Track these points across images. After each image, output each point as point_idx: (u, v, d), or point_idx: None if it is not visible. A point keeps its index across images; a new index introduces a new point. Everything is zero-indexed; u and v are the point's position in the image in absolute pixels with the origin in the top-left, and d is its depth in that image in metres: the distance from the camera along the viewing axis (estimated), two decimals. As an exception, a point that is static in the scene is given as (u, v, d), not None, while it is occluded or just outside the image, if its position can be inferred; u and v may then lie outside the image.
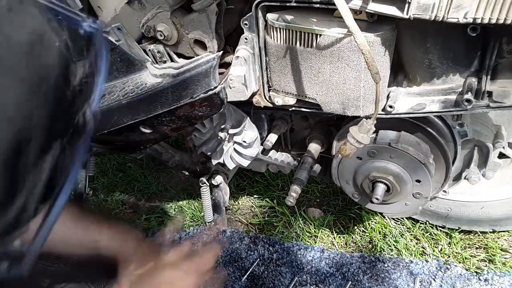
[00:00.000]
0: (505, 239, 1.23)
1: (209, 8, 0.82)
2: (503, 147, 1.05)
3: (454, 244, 1.22)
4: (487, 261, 1.18)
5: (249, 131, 1.05)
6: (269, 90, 0.91)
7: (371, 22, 0.73)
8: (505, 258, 1.18)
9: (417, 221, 1.29)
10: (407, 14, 0.64)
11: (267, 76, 0.88)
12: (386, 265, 1.19)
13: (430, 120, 0.94)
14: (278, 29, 0.78)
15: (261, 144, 1.10)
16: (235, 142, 1.07)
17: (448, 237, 1.25)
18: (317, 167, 1.12)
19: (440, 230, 1.26)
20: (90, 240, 0.71)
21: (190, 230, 1.38)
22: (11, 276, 0.32)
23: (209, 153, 1.09)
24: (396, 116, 0.85)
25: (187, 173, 1.34)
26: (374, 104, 0.72)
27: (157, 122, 0.77)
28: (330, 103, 0.83)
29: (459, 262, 1.18)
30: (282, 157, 1.18)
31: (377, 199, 0.94)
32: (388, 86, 0.85)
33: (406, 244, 1.24)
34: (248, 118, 1.02)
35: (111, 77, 0.85)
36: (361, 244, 1.28)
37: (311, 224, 1.36)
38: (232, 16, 0.87)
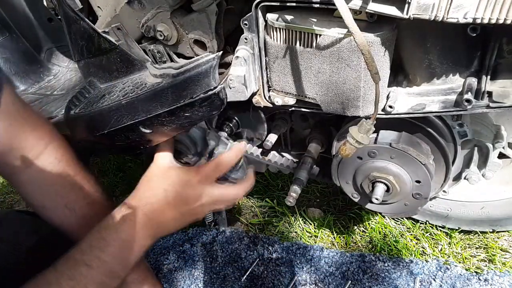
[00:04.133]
0: (505, 239, 1.23)
1: (209, 8, 0.82)
2: (503, 147, 1.05)
3: (454, 244, 1.22)
4: (487, 261, 1.18)
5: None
6: (269, 90, 0.91)
7: (371, 22, 0.73)
8: (505, 258, 1.18)
9: (417, 221, 1.29)
10: (407, 14, 0.64)
11: (267, 76, 0.88)
12: (386, 265, 1.19)
13: (430, 120, 0.94)
14: (278, 29, 0.78)
15: (261, 144, 1.10)
16: (235, 142, 1.07)
17: (448, 237, 1.25)
18: (315, 169, 1.12)
19: (440, 230, 1.26)
20: None
21: (190, 230, 1.38)
22: None
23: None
24: (396, 116, 0.85)
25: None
26: (374, 104, 0.72)
27: (157, 122, 0.76)
28: (330, 103, 0.83)
29: (459, 262, 1.18)
30: (282, 158, 1.18)
31: (377, 199, 0.94)
32: (388, 86, 0.85)
33: (406, 244, 1.24)
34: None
35: (111, 77, 0.85)
36: (361, 244, 1.28)
37: (311, 224, 1.36)
38: (232, 16, 0.87)
